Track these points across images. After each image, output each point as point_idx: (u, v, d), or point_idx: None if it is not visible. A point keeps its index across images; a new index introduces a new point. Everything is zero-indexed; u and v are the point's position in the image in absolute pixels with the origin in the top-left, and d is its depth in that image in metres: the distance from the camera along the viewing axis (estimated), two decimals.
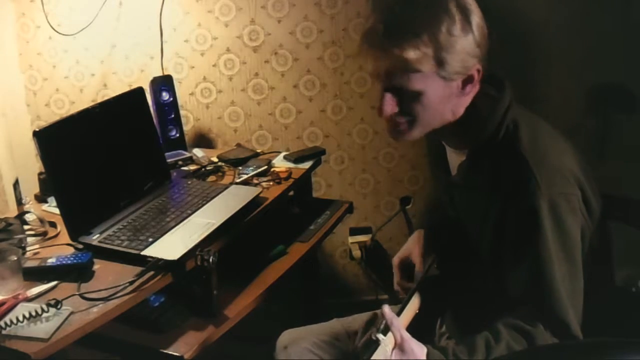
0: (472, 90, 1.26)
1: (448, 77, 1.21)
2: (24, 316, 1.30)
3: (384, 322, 1.17)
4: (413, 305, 1.33)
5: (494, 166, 1.26)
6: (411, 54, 1.17)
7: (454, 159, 1.38)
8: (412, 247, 1.54)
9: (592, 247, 1.31)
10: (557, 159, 1.24)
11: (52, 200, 1.85)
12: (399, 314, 1.28)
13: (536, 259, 1.20)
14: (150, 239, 1.58)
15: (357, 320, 1.65)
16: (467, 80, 1.24)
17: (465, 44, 1.20)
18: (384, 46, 1.19)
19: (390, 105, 1.24)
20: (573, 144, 1.33)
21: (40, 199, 1.93)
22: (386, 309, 1.18)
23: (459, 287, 1.38)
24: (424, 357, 1.18)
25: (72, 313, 1.34)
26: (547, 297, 1.20)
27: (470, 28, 1.20)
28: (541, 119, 1.33)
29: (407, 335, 1.18)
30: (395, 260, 1.56)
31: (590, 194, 1.28)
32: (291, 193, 2.02)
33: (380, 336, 1.15)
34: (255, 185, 1.93)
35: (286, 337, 1.68)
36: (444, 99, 1.24)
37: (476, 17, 1.22)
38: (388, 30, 1.18)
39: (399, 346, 1.17)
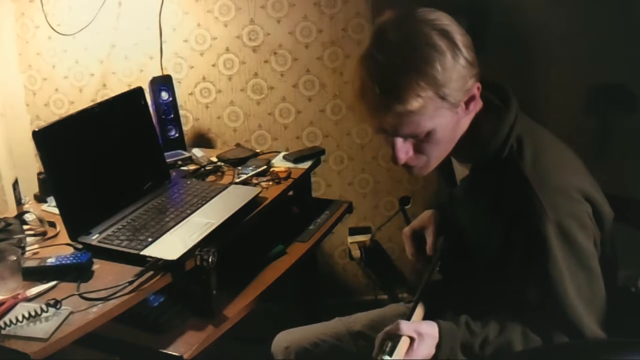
0: (476, 106, 1.24)
1: (453, 106, 1.19)
2: (23, 316, 1.30)
3: (389, 344, 1.18)
4: (418, 316, 1.32)
5: (497, 185, 1.24)
6: (415, 104, 1.14)
7: (459, 170, 1.37)
8: (427, 222, 1.49)
9: (604, 254, 1.30)
10: (561, 179, 1.22)
11: (51, 200, 1.85)
12: None
13: (546, 277, 1.19)
14: (150, 239, 1.58)
15: (359, 319, 1.64)
16: (470, 99, 1.22)
17: (459, 69, 1.16)
18: (385, 105, 1.15)
19: (403, 151, 1.22)
20: (574, 149, 1.32)
21: (40, 199, 1.93)
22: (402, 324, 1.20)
23: (462, 288, 1.37)
24: (436, 333, 1.21)
25: (71, 313, 1.34)
26: (560, 307, 1.20)
27: (459, 52, 1.16)
28: (546, 132, 1.31)
29: (420, 327, 1.21)
30: (407, 232, 1.51)
31: (601, 204, 1.26)
32: (290, 193, 2.02)
33: (386, 357, 1.16)
34: (255, 185, 1.93)
35: (282, 338, 1.67)
36: (453, 126, 1.23)
37: (458, 36, 1.18)
38: (383, 88, 1.14)
39: (418, 336, 1.20)
